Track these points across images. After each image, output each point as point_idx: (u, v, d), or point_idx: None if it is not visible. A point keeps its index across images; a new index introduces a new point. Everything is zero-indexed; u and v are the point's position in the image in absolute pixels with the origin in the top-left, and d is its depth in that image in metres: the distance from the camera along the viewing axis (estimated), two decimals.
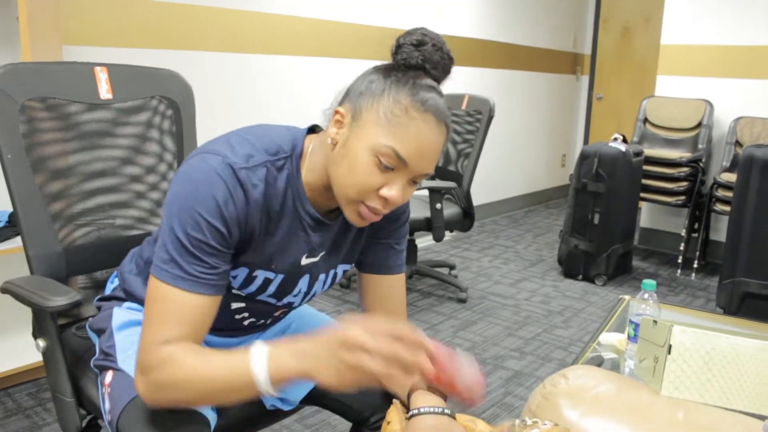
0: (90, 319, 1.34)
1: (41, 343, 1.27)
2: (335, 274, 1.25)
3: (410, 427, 1.00)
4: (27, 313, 2.48)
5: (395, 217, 1.24)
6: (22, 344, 2.40)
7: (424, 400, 1.05)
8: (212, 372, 0.94)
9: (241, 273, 1.10)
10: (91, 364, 1.22)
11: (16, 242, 2.19)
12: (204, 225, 0.97)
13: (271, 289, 1.14)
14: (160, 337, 0.97)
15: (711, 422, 1.09)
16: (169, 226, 0.99)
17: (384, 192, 1.00)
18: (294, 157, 1.07)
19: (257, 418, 1.30)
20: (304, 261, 1.15)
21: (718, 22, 4.27)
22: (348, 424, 1.36)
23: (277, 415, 1.33)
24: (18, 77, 1.34)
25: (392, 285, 1.26)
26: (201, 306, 0.99)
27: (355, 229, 1.21)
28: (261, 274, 1.11)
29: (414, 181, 1.03)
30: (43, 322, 1.25)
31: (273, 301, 1.18)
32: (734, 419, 1.09)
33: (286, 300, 1.20)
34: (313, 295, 1.25)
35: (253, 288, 1.13)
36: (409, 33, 1.07)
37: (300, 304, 1.26)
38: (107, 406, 1.13)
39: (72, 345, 1.36)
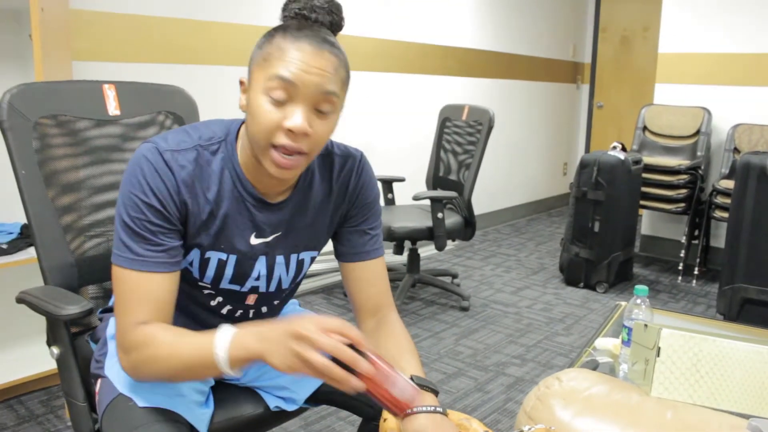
0: (94, 329, 1.40)
1: (55, 350, 1.31)
2: (300, 261, 1.27)
3: (405, 425, 1.04)
4: (39, 322, 2.54)
5: (362, 201, 1.27)
6: (34, 353, 2.45)
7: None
8: (182, 350, 1.01)
9: (195, 256, 1.15)
10: (90, 373, 1.28)
11: (28, 253, 2.25)
12: (140, 203, 1.04)
13: (228, 272, 1.18)
14: (133, 319, 1.04)
15: (699, 421, 1.13)
16: (117, 214, 1.07)
17: (286, 124, 1.02)
18: (228, 141, 1.14)
19: (260, 420, 1.34)
20: (254, 241, 1.18)
21: (716, 30, 4.32)
22: (353, 426, 1.39)
23: (282, 416, 1.37)
24: (31, 96, 1.40)
25: (372, 270, 1.29)
26: (159, 284, 1.06)
27: (312, 213, 1.23)
28: (213, 256, 1.16)
29: (319, 110, 1.04)
30: (56, 330, 1.30)
31: (236, 287, 1.22)
32: (721, 419, 1.14)
33: (249, 284, 1.23)
34: (280, 283, 1.26)
35: (210, 273, 1.17)
36: None
37: (267, 290, 1.27)
38: (98, 411, 1.18)
39: (84, 352, 1.41)
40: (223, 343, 0.97)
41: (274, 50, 1.03)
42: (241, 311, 1.28)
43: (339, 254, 1.30)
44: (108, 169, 1.52)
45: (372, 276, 1.29)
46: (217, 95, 3.25)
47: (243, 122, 1.15)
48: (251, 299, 1.27)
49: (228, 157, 1.13)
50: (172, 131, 1.13)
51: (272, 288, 1.27)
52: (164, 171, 1.06)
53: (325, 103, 1.04)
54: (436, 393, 1.11)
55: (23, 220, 2.43)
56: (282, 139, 1.02)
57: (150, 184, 1.05)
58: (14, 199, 2.38)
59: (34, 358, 2.42)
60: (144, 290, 1.05)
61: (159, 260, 1.05)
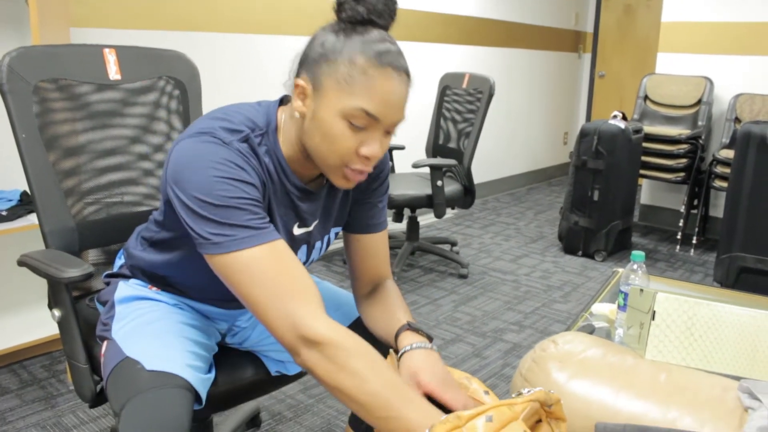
0: (99, 292, 1.41)
1: (57, 312, 1.33)
2: (329, 239, 1.31)
3: (402, 363, 1.07)
4: (40, 288, 2.56)
5: (375, 176, 1.28)
6: (36, 319, 2.48)
7: (409, 339, 1.12)
8: (390, 403, 0.93)
9: None
10: (96, 335, 1.29)
11: (28, 220, 2.26)
12: (235, 183, 0.99)
13: None
14: (310, 309, 0.97)
15: (691, 383, 1.15)
16: (198, 205, 0.98)
17: (363, 151, 1.03)
18: (270, 132, 1.11)
19: (261, 384, 1.36)
20: (297, 231, 1.20)
21: None
22: None
23: (282, 380, 1.39)
24: (30, 60, 1.40)
25: (377, 242, 1.31)
26: (286, 251, 1.01)
27: (341, 192, 1.26)
28: None
29: (388, 132, 1.06)
30: (58, 293, 1.32)
31: None
32: (713, 380, 1.15)
33: None
34: (311, 263, 1.31)
35: None
36: None
37: None
38: (103, 372, 1.19)
39: (85, 315, 1.43)
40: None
41: (359, 75, 1.00)
42: None
43: (347, 225, 1.31)
44: (109, 133, 1.52)
45: (375, 248, 1.31)
46: (216, 62, 3.24)
47: (278, 106, 1.14)
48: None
49: (272, 149, 1.11)
50: (209, 120, 1.07)
51: (306, 266, 1.29)
52: (239, 154, 1.03)
53: (395, 127, 1.06)
54: (430, 339, 1.14)
55: (23, 188, 2.44)
56: (357, 164, 1.04)
57: (237, 165, 1.01)
58: (14, 166, 2.39)
59: (36, 323, 2.45)
60: (284, 265, 0.99)
61: (272, 229, 1.02)
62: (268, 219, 1.03)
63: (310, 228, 1.22)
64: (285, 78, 1.13)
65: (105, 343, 1.22)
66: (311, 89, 1.04)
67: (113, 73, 1.53)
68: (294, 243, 1.21)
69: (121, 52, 1.55)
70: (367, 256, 1.30)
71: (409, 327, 1.14)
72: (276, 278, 0.98)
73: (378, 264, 1.31)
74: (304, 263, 1.27)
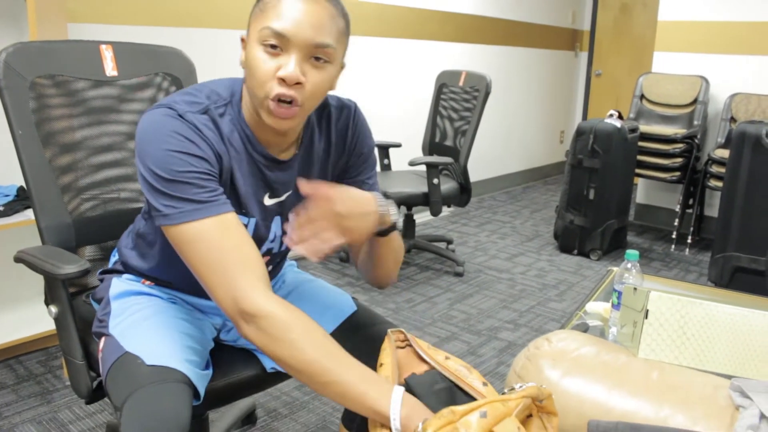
0: (93, 290, 1.41)
1: (53, 309, 1.33)
2: None
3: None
4: (37, 284, 2.56)
5: (359, 152, 1.28)
6: (32, 314, 2.48)
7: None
8: (347, 376, 0.97)
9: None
10: (92, 332, 1.29)
11: (25, 215, 2.26)
12: (185, 157, 1.02)
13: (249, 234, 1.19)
14: (247, 282, 1.00)
15: (683, 381, 1.16)
16: (153, 178, 1.02)
17: (279, 73, 1.03)
18: (233, 102, 1.13)
19: (257, 380, 1.36)
20: (268, 201, 1.20)
21: None
22: None
23: (277, 377, 1.39)
24: (27, 55, 1.40)
25: None
26: (234, 224, 1.04)
27: (317, 167, 1.25)
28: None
29: (314, 57, 1.05)
30: (55, 290, 1.32)
31: None
32: (705, 379, 1.16)
33: (265, 247, 1.25)
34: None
35: None
36: None
37: (279, 251, 1.31)
38: (101, 369, 1.20)
39: (82, 312, 1.43)
40: (396, 413, 0.95)
41: (270, 1, 1.04)
42: None
43: None
44: (105, 130, 1.52)
45: None
46: (216, 58, 3.23)
47: (244, 80, 1.15)
48: (264, 260, 1.29)
49: (235, 118, 1.12)
50: (176, 94, 1.11)
51: (283, 248, 1.30)
52: (193, 128, 1.05)
53: (320, 54, 1.05)
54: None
55: (19, 183, 2.44)
56: (276, 89, 1.03)
57: (187, 138, 1.03)
58: (10, 162, 2.39)
59: (33, 318, 2.45)
60: (230, 238, 1.02)
61: (221, 201, 1.04)
62: (219, 191, 1.05)
63: (282, 198, 1.22)
64: None
65: (102, 339, 1.22)
66: (246, 36, 1.09)
67: (110, 69, 1.53)
68: (266, 213, 1.20)
69: (118, 48, 1.55)
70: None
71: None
72: (220, 251, 1.01)
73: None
74: (282, 235, 1.26)
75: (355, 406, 0.97)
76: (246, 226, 1.17)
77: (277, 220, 1.24)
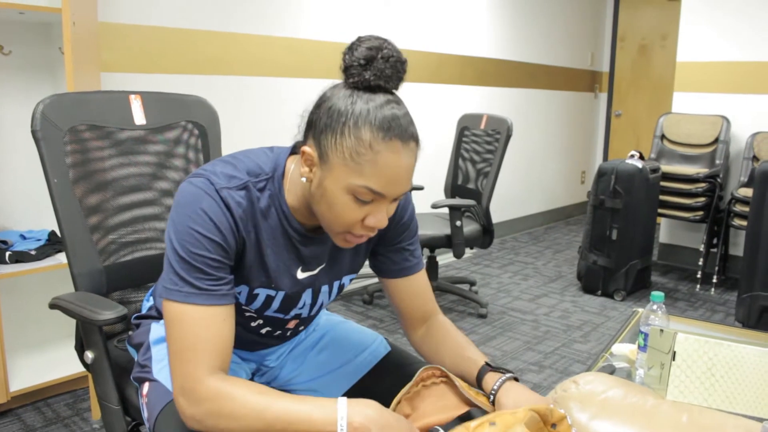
0: (129, 334, 1.43)
1: (90, 354, 1.35)
2: (341, 285, 1.30)
3: (501, 397, 1.13)
4: (64, 327, 2.60)
5: (399, 220, 1.28)
6: (60, 357, 2.51)
7: (497, 376, 1.19)
8: (279, 414, 0.98)
9: (243, 290, 1.16)
10: (131, 377, 1.31)
11: (56, 259, 2.31)
12: (202, 239, 1.03)
13: (275, 305, 1.21)
14: (203, 367, 1.01)
15: (714, 424, 1.15)
16: (171, 249, 1.04)
17: (369, 222, 1.04)
18: (275, 178, 1.12)
19: None
20: (300, 275, 1.20)
21: (734, 38, 4.32)
22: None
23: None
24: (62, 106, 1.45)
25: (416, 283, 1.31)
26: (222, 318, 1.05)
27: None
28: (262, 292, 1.17)
29: (395, 199, 1.06)
30: (91, 335, 1.34)
31: (280, 315, 1.24)
32: (736, 421, 1.15)
33: (293, 313, 1.26)
34: (321, 305, 1.30)
35: (257, 305, 1.19)
36: (352, 48, 1.03)
37: (310, 316, 1.32)
38: (146, 414, 1.21)
39: (115, 357, 1.46)
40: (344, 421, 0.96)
41: (365, 150, 0.98)
42: (280, 332, 1.32)
43: (380, 272, 1.32)
44: (134, 174, 1.56)
45: (416, 288, 1.32)
46: (239, 105, 3.32)
47: (288, 153, 1.15)
48: (292, 323, 1.30)
49: (275, 194, 1.12)
50: (217, 163, 1.11)
51: (313, 312, 1.31)
52: (223, 207, 1.05)
53: (401, 197, 1.07)
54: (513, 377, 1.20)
55: (50, 227, 2.50)
56: (360, 231, 1.06)
57: (213, 220, 1.04)
58: (42, 207, 2.45)
59: (60, 361, 2.48)
60: (207, 327, 1.03)
61: (219, 293, 1.05)
62: (224, 281, 1.05)
63: (315, 272, 1.22)
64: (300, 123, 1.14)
65: (146, 384, 1.23)
66: (317, 158, 1.03)
67: (139, 117, 1.58)
68: (298, 287, 1.21)
69: (146, 97, 1.60)
70: (410, 298, 1.32)
71: (491, 368, 1.21)
72: (185, 339, 1.03)
73: (423, 304, 1.33)
74: (311, 307, 1.28)
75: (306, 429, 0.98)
76: (273, 298, 1.19)
77: (308, 291, 1.24)
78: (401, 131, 1.00)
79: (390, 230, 1.28)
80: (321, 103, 1.05)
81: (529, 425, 0.97)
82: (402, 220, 1.29)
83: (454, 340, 1.30)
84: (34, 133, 1.40)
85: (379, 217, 1.04)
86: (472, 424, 0.93)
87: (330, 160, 1.01)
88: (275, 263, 1.15)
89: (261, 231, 1.11)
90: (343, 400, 0.98)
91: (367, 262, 1.35)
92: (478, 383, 1.20)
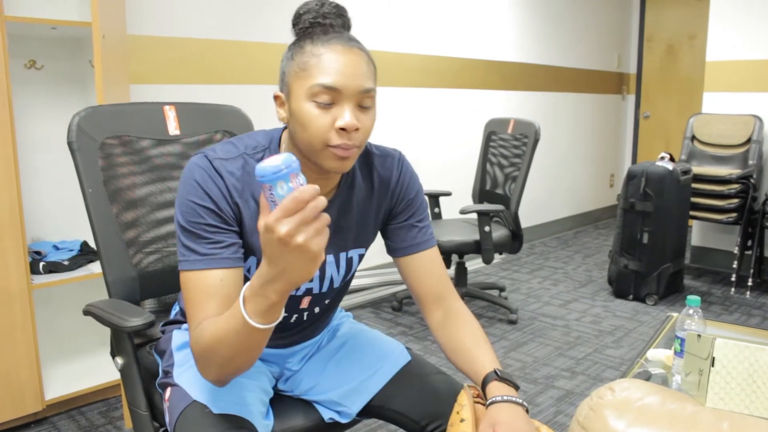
0: (156, 342, 1.45)
1: (119, 360, 1.37)
2: (349, 259, 1.31)
3: (487, 413, 1.09)
4: (98, 336, 2.63)
5: (405, 197, 1.32)
6: (94, 365, 2.54)
7: (498, 390, 1.15)
8: (221, 327, 1.00)
9: (252, 263, 1.20)
10: (156, 384, 1.32)
11: (88, 269, 2.34)
12: (196, 207, 1.10)
13: None
14: (196, 321, 1.07)
15: None
16: (176, 223, 1.12)
17: (338, 123, 1.08)
18: (271, 148, 1.19)
19: (314, 430, 1.37)
20: None
21: (764, 36, 4.25)
22: None
23: (335, 427, 1.40)
24: (97, 118, 1.48)
25: (427, 260, 1.33)
26: (223, 279, 1.09)
27: (357, 211, 1.28)
28: None
29: (361, 106, 1.10)
30: (121, 342, 1.36)
31: (292, 291, 1.25)
32: None
33: (303, 287, 1.27)
34: (332, 282, 1.30)
35: None
36: (299, 7, 1.15)
37: (320, 290, 1.31)
38: (167, 419, 1.22)
39: (146, 363, 1.47)
40: (241, 298, 0.96)
41: (309, 58, 1.08)
42: (297, 315, 1.33)
43: (391, 250, 1.35)
44: (168, 186, 1.58)
45: (428, 266, 1.33)
46: (267, 112, 3.33)
47: (283, 129, 1.22)
48: (305, 302, 1.31)
49: None
50: (219, 143, 1.20)
51: (324, 288, 1.31)
52: (214, 175, 1.12)
53: (366, 99, 1.11)
54: (516, 387, 1.18)
55: (83, 238, 2.53)
56: (337, 139, 1.08)
57: (203, 188, 1.11)
58: (74, 217, 2.49)
59: (94, 370, 2.51)
60: (209, 287, 1.08)
61: (221, 256, 1.10)
62: (223, 244, 1.10)
63: None
64: None
65: (168, 389, 1.25)
66: (284, 95, 1.13)
67: (173, 128, 1.60)
68: None
69: (180, 108, 1.62)
70: (422, 275, 1.33)
71: (497, 377, 1.18)
72: (192, 300, 1.09)
73: (436, 282, 1.33)
74: (321, 279, 1.28)
75: (241, 332, 0.97)
76: None
77: None
78: (340, 37, 1.10)
79: (397, 206, 1.32)
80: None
81: None
82: (409, 196, 1.32)
83: (471, 334, 1.28)
84: (70, 144, 1.43)
85: (344, 117, 1.08)
86: None
87: (289, 85, 1.11)
88: None
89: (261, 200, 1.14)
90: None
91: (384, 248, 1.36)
92: (482, 388, 1.19)
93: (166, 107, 1.59)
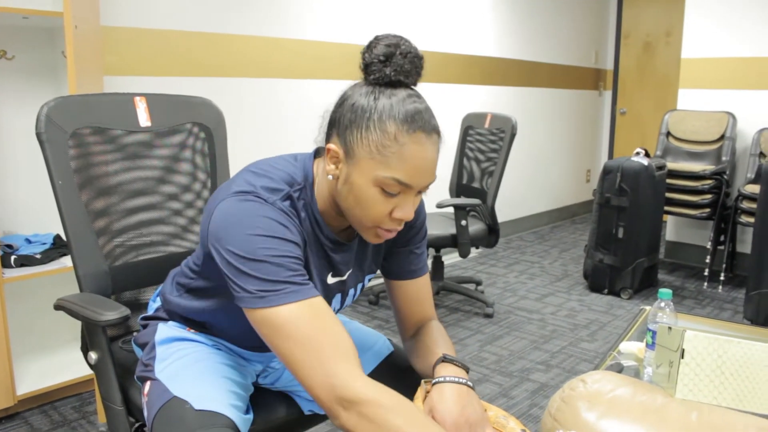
0: (135, 334, 1.43)
1: (93, 355, 1.35)
2: (362, 286, 1.33)
3: (429, 396, 1.09)
4: (70, 331, 2.60)
5: (411, 225, 1.31)
6: (66, 360, 2.51)
7: (443, 371, 1.15)
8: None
9: None
10: (135, 377, 1.31)
11: (61, 263, 2.31)
12: (275, 241, 1.01)
13: None
14: (350, 363, 0.97)
15: (724, 423, 1.13)
16: (236, 263, 1.00)
17: (396, 214, 1.06)
18: (308, 186, 1.13)
19: (294, 423, 1.37)
20: (331, 281, 1.22)
21: (739, 34, 4.30)
22: None
23: (314, 419, 1.40)
24: (66, 109, 1.45)
25: (419, 287, 1.33)
26: (326, 308, 1.01)
27: (371, 244, 1.29)
28: None
29: (420, 191, 1.09)
30: (95, 336, 1.34)
31: None
32: (747, 420, 1.14)
33: None
34: (344, 308, 1.33)
35: None
36: (371, 47, 1.07)
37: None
38: (146, 413, 1.21)
39: (119, 358, 1.45)
40: None
41: (390, 143, 1.01)
42: None
43: (386, 272, 1.34)
44: (139, 175, 1.56)
45: (416, 293, 1.33)
46: (243, 107, 3.31)
47: (313, 159, 1.16)
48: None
49: (308, 203, 1.14)
50: (248, 176, 1.10)
51: (337, 312, 1.32)
52: (282, 213, 1.05)
53: (427, 188, 1.09)
54: (466, 370, 1.17)
55: (55, 231, 2.50)
56: (389, 224, 1.07)
57: (279, 221, 1.03)
58: (46, 211, 2.45)
59: (67, 365, 2.48)
60: (323, 320, 0.99)
61: (308, 284, 1.03)
62: (307, 276, 1.05)
63: (344, 277, 1.25)
64: (310, 125, 1.16)
65: (148, 383, 1.23)
66: (343, 154, 1.05)
67: (144, 120, 1.58)
68: (328, 292, 1.23)
69: (151, 99, 1.60)
70: (410, 301, 1.33)
71: (445, 359, 1.17)
72: (314, 336, 0.98)
73: (421, 309, 1.34)
74: (338, 310, 1.30)
75: None
76: None
77: (337, 297, 1.27)
78: (424, 123, 1.03)
79: (403, 233, 1.30)
80: (343, 101, 1.07)
81: None
82: (414, 224, 1.32)
83: (433, 338, 1.27)
84: (38, 135, 1.40)
85: (406, 209, 1.06)
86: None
87: (356, 154, 1.03)
88: (309, 270, 1.16)
89: (305, 240, 1.13)
90: None
91: None
92: (432, 373, 1.19)
93: (137, 98, 1.57)
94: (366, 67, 1.06)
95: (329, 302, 1.25)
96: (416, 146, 1.02)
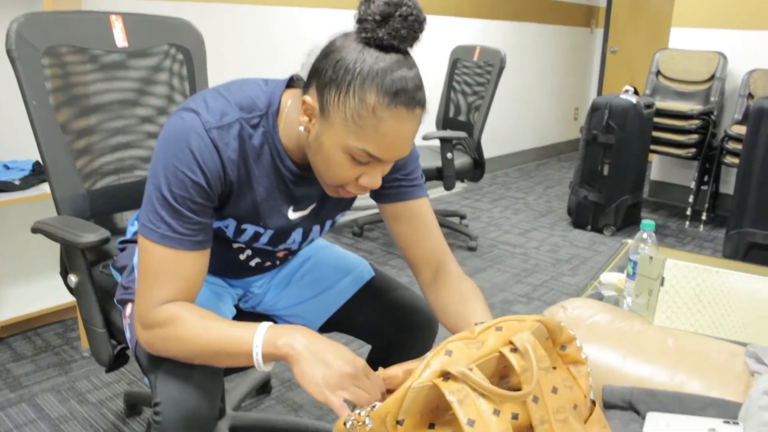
0: (114, 258, 1.42)
1: (73, 278, 1.34)
2: (331, 223, 1.29)
3: None
4: (55, 256, 2.58)
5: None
6: (49, 287, 2.51)
7: None
8: (212, 336, 0.99)
9: (231, 224, 1.14)
10: (115, 300, 1.30)
11: (40, 189, 2.27)
12: (186, 181, 0.99)
13: (264, 240, 1.19)
14: (159, 296, 1.01)
15: (699, 349, 1.15)
16: (154, 185, 1.01)
17: (362, 181, 1.02)
18: (270, 114, 1.07)
19: None
20: (292, 215, 1.18)
21: None
22: (362, 353, 1.41)
23: None
24: (38, 25, 1.39)
25: (419, 210, 1.22)
26: (192, 262, 1.03)
27: None
28: (250, 228, 1.15)
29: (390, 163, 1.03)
30: (74, 259, 1.33)
31: (269, 248, 1.23)
32: (720, 346, 1.16)
33: (282, 246, 1.24)
34: (312, 240, 1.29)
35: (245, 238, 1.18)
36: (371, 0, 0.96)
37: (300, 248, 1.31)
38: (128, 335, 1.21)
39: (99, 281, 1.45)
40: (260, 341, 0.97)
41: (368, 114, 0.94)
42: (269, 262, 1.31)
43: (377, 196, 1.22)
44: (114, 98, 1.52)
45: (419, 219, 1.22)
46: (224, 32, 3.23)
47: (284, 87, 1.09)
48: (281, 254, 1.30)
49: (269, 132, 1.08)
50: (208, 96, 1.06)
51: (303, 245, 1.30)
52: (212, 151, 1.01)
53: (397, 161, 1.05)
54: None
55: (35, 158, 2.45)
56: (353, 188, 1.03)
57: (200, 163, 1.00)
58: (26, 136, 2.40)
59: (50, 291, 2.48)
60: (175, 268, 1.02)
61: (195, 239, 1.03)
62: (201, 226, 1.03)
63: (306, 212, 1.20)
64: (292, 51, 1.09)
65: (128, 306, 1.23)
66: (318, 110, 0.99)
67: (120, 40, 1.53)
68: (288, 225, 1.19)
69: (128, 19, 1.54)
70: (413, 230, 1.23)
71: None
72: (153, 270, 1.03)
73: (430, 240, 1.23)
74: (301, 242, 1.26)
75: (240, 355, 0.98)
76: (262, 234, 1.17)
77: (298, 230, 1.22)
78: (407, 99, 0.95)
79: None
80: (329, 52, 0.98)
81: (535, 335, 0.95)
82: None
83: (459, 295, 1.21)
84: (9, 52, 1.35)
85: (374, 178, 1.02)
86: (478, 328, 0.92)
87: (330, 116, 0.97)
88: (266, 202, 1.12)
89: (252, 169, 1.08)
90: (265, 325, 0.98)
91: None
92: None
93: (113, 17, 1.51)
94: (360, 22, 0.96)
95: (288, 235, 1.20)
96: (394, 122, 0.95)
